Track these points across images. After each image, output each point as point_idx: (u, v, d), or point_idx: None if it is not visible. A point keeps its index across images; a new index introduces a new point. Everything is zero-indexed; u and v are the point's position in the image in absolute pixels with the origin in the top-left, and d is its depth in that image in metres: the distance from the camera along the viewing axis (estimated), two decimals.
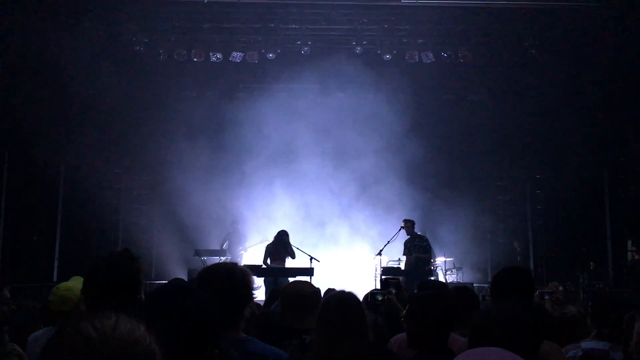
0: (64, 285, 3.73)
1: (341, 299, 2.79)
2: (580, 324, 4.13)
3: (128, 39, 13.45)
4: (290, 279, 8.16)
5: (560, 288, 5.19)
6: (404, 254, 11.71)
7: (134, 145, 14.08)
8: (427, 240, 11.68)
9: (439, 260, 13.36)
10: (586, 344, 3.34)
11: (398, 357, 2.13)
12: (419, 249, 11.30)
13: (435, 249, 13.72)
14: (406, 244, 11.57)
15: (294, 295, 3.26)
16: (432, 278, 10.97)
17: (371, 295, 4.93)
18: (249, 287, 2.56)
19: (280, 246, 11.16)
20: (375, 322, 3.61)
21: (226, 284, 2.46)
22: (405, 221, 11.62)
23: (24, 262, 11.22)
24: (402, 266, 11.80)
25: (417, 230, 13.12)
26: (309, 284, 3.43)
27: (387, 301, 4.83)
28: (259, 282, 9.01)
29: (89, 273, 2.47)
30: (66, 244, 12.17)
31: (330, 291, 5.75)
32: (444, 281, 12.61)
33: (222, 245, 13.24)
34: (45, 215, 12.23)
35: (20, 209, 11.58)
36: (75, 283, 3.51)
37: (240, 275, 2.54)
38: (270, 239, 11.64)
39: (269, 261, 11.19)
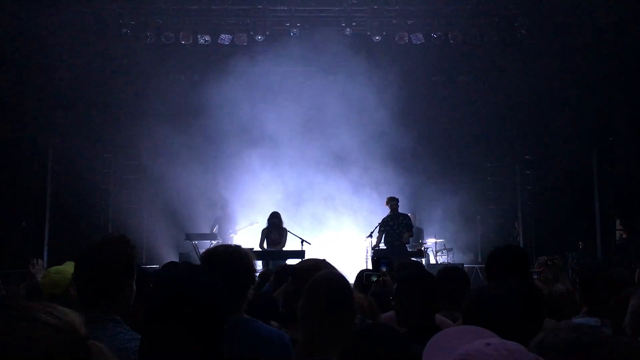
0: (55, 268, 3.72)
1: (329, 280, 2.51)
2: (570, 301, 4.17)
3: (115, 21, 13.27)
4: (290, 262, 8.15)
5: (549, 262, 5.19)
6: (380, 230, 11.23)
7: (123, 129, 13.97)
8: (410, 219, 11.47)
9: (430, 241, 13.44)
10: (577, 321, 3.37)
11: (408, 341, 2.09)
12: (404, 227, 11.09)
13: (426, 230, 13.79)
14: (387, 221, 11.18)
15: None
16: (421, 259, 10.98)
17: (366, 276, 4.93)
18: (252, 270, 2.59)
19: (273, 228, 11.10)
20: (369, 302, 3.60)
21: (230, 266, 2.49)
22: (392, 199, 11.35)
23: (13, 247, 11.15)
24: (376, 242, 11.24)
25: (407, 212, 13.19)
26: (324, 262, 3.19)
27: (381, 282, 4.84)
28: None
29: (82, 255, 2.42)
30: (55, 229, 12.09)
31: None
32: (435, 262, 12.71)
33: (213, 229, 13.22)
34: (33, 201, 12.13)
35: (8, 193, 11.48)
36: (67, 267, 3.50)
37: (244, 258, 2.59)
38: (260, 222, 11.63)
39: (265, 245, 11.11)
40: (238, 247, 2.67)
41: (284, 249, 10.98)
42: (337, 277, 2.47)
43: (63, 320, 1.06)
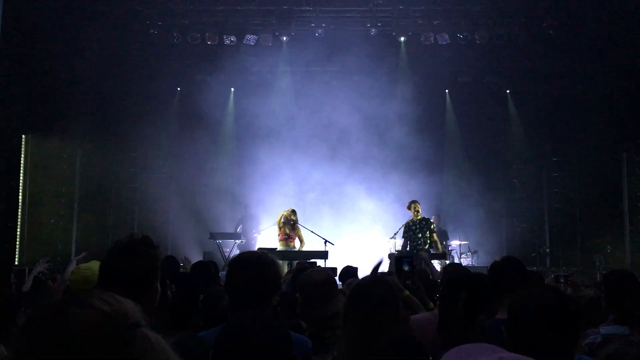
0: (84, 265, 3.78)
1: (372, 284, 2.60)
2: (597, 307, 4.09)
3: (142, 22, 13.44)
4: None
5: (562, 281, 5.15)
6: (404, 237, 11.08)
7: (149, 129, 14.12)
8: (430, 222, 11.29)
9: (454, 243, 13.34)
10: (605, 329, 3.30)
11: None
12: (426, 231, 10.94)
13: (450, 232, 13.70)
14: (410, 225, 11.01)
15: (308, 286, 3.20)
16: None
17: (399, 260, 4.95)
18: (278, 276, 2.62)
19: (288, 226, 11.13)
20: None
21: (256, 273, 2.50)
22: (413, 202, 11.10)
23: (42, 245, 11.35)
24: (402, 247, 11.13)
25: (432, 214, 13.11)
26: (321, 271, 3.38)
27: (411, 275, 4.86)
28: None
29: (107, 257, 2.46)
30: (83, 227, 12.29)
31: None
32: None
33: (237, 228, 13.30)
34: (62, 199, 12.34)
35: (39, 193, 11.70)
36: (94, 265, 3.55)
37: (270, 265, 2.60)
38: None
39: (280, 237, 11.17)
40: (264, 254, 2.68)
41: (304, 248, 11.01)
42: (379, 279, 2.56)
43: (117, 307, 1.14)
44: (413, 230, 10.94)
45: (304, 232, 11.28)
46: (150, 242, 2.49)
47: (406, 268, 5.11)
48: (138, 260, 2.39)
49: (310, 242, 11.22)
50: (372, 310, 2.38)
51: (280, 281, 2.66)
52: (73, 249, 11.75)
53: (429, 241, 10.79)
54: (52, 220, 11.91)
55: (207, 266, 5.38)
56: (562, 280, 5.31)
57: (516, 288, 2.73)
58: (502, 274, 3.47)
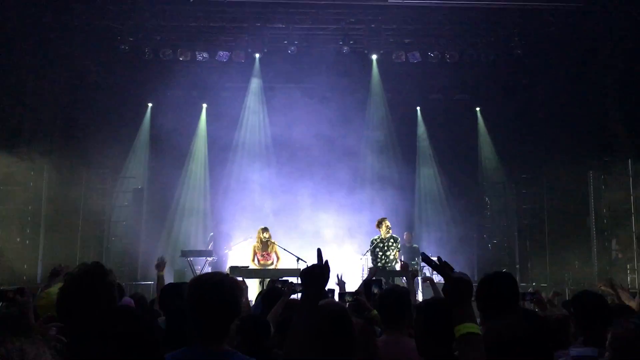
0: (52, 290, 3.71)
1: (334, 315, 2.53)
2: (565, 328, 4.10)
3: (113, 37, 13.31)
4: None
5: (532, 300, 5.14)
6: (372, 253, 11.08)
7: (120, 146, 13.96)
8: (397, 240, 11.35)
9: None
10: (574, 351, 3.34)
11: None
12: (392, 249, 11.03)
13: (422, 249, 13.78)
14: (377, 243, 11.00)
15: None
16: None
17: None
18: (238, 303, 2.54)
19: (261, 244, 11.19)
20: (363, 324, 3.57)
21: (214, 299, 2.44)
22: (382, 220, 11.11)
23: (7, 264, 11.06)
24: (370, 264, 11.10)
25: (404, 231, 13.20)
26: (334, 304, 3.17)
27: (355, 302, 4.96)
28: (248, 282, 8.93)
29: (61, 293, 2.47)
30: (50, 245, 12.02)
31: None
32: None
33: (208, 245, 13.18)
34: (28, 217, 12.06)
35: (3, 209, 11.43)
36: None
37: (229, 290, 2.50)
38: (253, 238, 11.63)
39: (256, 261, 11.20)
40: (224, 277, 2.60)
41: (277, 266, 10.98)
42: (339, 309, 2.55)
43: None
44: (381, 248, 10.97)
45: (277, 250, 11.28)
46: (101, 271, 2.48)
47: (375, 290, 5.26)
48: (91, 292, 2.41)
49: (282, 259, 11.21)
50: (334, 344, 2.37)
51: (239, 306, 2.58)
52: (39, 268, 11.48)
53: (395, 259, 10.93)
54: (18, 239, 11.63)
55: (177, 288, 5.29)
56: (527, 298, 5.29)
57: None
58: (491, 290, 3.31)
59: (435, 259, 2.23)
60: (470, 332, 2.03)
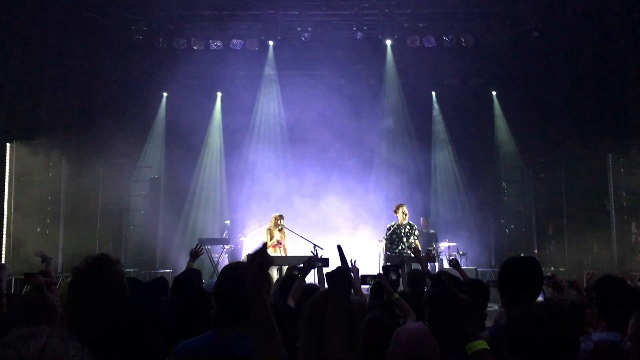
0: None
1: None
2: (581, 313, 4.05)
3: (127, 28, 13.35)
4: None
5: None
6: (391, 238, 10.98)
7: (135, 135, 14.03)
8: (414, 227, 11.25)
9: (443, 245, 13.37)
10: (597, 336, 3.31)
11: None
12: (410, 236, 10.99)
13: (439, 234, 13.76)
14: (395, 229, 10.95)
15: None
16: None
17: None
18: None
19: (275, 230, 11.16)
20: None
21: (234, 289, 2.48)
22: (399, 206, 11.05)
23: (28, 253, 11.21)
24: (385, 251, 11.08)
25: (420, 216, 13.16)
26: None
27: (377, 285, 4.98)
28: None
29: (71, 283, 2.49)
30: (70, 235, 12.16)
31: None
32: (448, 267, 12.61)
33: (223, 234, 13.26)
34: (48, 207, 12.21)
35: (24, 201, 11.57)
36: None
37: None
38: (267, 225, 11.64)
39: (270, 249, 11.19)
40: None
41: (290, 254, 11.00)
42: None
43: None
44: (398, 234, 10.94)
45: (292, 237, 11.26)
46: (108, 262, 2.48)
47: (393, 277, 5.28)
48: (99, 284, 2.41)
49: (298, 246, 11.19)
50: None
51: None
52: (60, 258, 11.62)
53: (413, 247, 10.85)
54: (39, 229, 11.78)
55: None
56: (545, 283, 5.25)
57: None
58: (514, 274, 3.24)
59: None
60: (484, 349, 2.11)
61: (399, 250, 10.82)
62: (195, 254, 6.00)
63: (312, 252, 6.32)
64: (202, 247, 6.24)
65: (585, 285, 5.69)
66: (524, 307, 2.15)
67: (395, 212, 11.09)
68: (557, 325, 2.02)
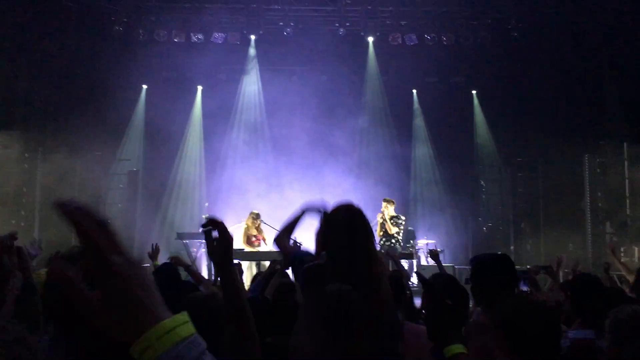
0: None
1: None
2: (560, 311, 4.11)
3: (107, 18, 13.16)
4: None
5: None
6: (387, 232, 11.00)
7: (113, 127, 13.85)
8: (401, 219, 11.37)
9: (421, 242, 13.45)
10: (572, 333, 3.36)
11: None
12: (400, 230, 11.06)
13: (417, 231, 13.83)
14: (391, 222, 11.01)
15: None
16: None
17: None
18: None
19: (252, 227, 11.11)
20: None
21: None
22: (391, 201, 11.24)
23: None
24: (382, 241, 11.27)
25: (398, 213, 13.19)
26: None
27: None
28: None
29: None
30: (46, 229, 11.98)
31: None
32: (426, 264, 12.70)
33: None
34: (23, 200, 12.02)
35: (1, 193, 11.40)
36: None
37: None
38: (243, 223, 11.56)
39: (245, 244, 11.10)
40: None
41: (267, 249, 10.93)
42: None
43: None
44: (386, 227, 11.00)
45: (269, 231, 11.18)
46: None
47: None
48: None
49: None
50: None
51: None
52: None
53: (399, 238, 10.94)
54: (13, 221, 11.59)
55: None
56: (520, 277, 5.27)
57: None
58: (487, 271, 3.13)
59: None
60: (460, 353, 2.11)
61: (390, 242, 10.86)
62: (153, 255, 5.67)
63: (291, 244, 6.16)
64: (158, 245, 5.84)
65: (571, 275, 5.75)
66: (514, 301, 2.17)
67: (386, 206, 11.15)
68: (549, 321, 2.05)
